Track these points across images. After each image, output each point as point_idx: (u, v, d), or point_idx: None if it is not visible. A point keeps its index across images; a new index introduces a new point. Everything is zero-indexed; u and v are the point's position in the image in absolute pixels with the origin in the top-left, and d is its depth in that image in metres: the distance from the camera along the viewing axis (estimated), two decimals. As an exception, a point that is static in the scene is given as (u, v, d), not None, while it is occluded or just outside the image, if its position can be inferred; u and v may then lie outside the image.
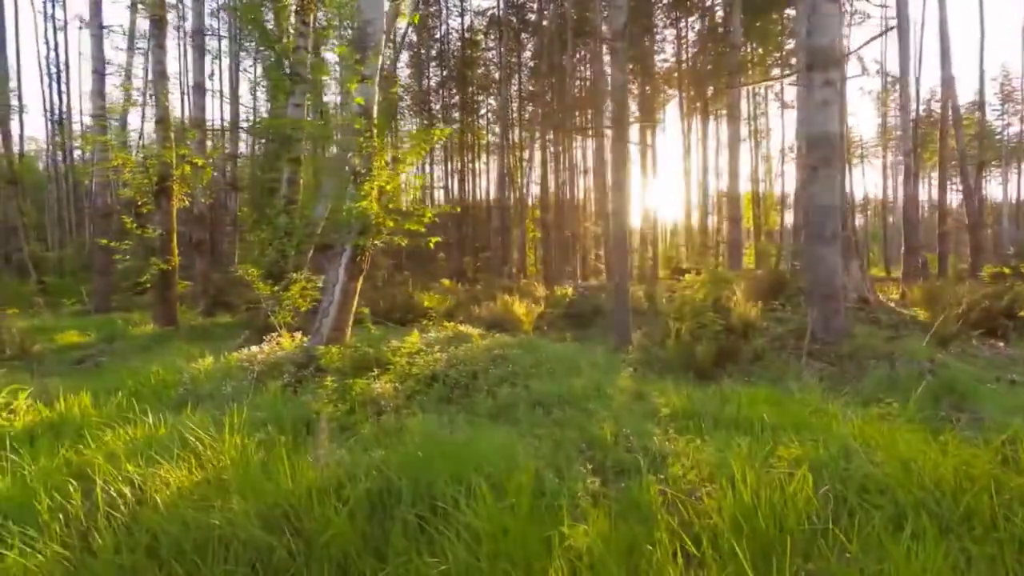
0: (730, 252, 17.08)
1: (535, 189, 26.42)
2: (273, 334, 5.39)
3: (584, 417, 3.47)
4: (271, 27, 8.41)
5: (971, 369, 3.99)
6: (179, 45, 21.98)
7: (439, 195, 32.29)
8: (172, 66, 25.60)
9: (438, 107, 30.38)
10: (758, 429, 3.04)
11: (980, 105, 16.36)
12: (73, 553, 1.76)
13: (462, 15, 28.46)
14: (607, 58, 24.09)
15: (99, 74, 13.15)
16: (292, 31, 8.38)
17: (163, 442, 2.68)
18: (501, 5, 26.84)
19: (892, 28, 11.66)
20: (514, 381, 4.43)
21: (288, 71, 8.31)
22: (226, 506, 1.99)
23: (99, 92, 13.21)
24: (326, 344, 4.74)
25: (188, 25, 19.29)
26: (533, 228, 28.38)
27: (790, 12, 24.25)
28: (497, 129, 26.95)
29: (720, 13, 25.32)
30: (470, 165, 30.86)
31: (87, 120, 27.48)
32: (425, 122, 27.58)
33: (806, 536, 1.90)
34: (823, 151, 5.73)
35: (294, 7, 8.21)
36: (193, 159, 9.91)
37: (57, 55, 23.11)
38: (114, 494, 2.07)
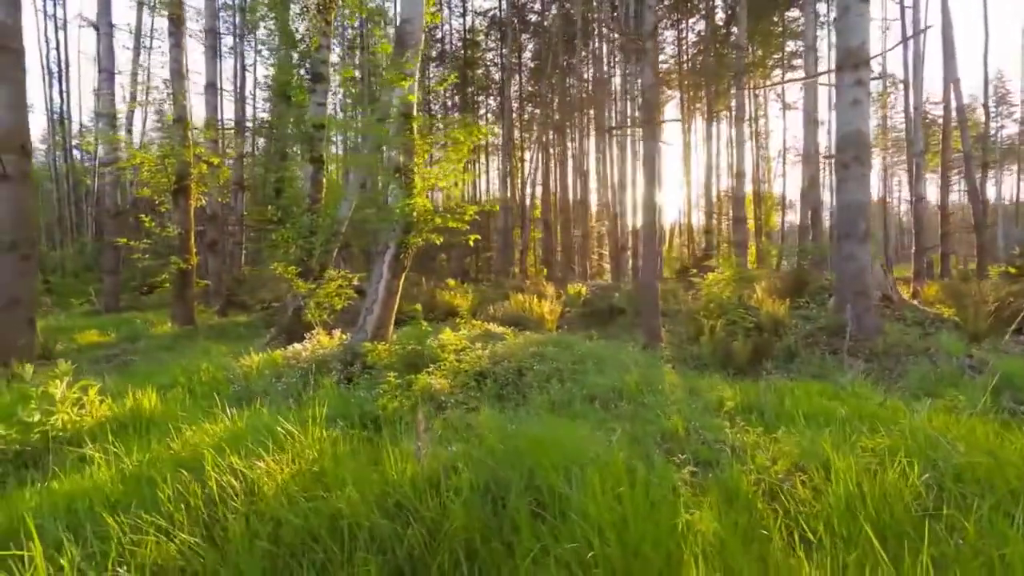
0: (736, 252, 17.20)
1: (534, 189, 26.53)
2: (314, 331, 5.40)
3: (644, 411, 3.51)
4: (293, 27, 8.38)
5: (1018, 363, 4.05)
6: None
7: (438, 196, 32.33)
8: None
9: (438, 107, 30.40)
10: (823, 422, 3.09)
11: (984, 107, 16.47)
12: (206, 542, 1.78)
13: (464, 15, 28.50)
14: (617, 56, 24.16)
15: (108, 73, 13.08)
16: (314, 30, 8.37)
17: (246, 436, 2.69)
18: (503, 6, 26.91)
19: (924, 30, 11.73)
20: (561, 377, 4.47)
21: (309, 70, 8.30)
22: (340, 496, 2.01)
23: (109, 91, 13.14)
24: (370, 341, 4.75)
25: (193, 25, 19.15)
26: (534, 228, 28.43)
27: (790, 14, 24.60)
28: (497, 129, 26.96)
29: (720, 15, 25.63)
30: (471, 166, 30.89)
31: (86, 120, 27.33)
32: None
33: (914, 522, 1.94)
34: (854, 149, 5.80)
35: (315, 6, 8.20)
36: (210, 158, 9.89)
37: (59, 54, 22.91)
38: (224, 485, 2.09)
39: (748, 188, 21.00)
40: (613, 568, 1.67)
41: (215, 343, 7.20)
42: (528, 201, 24.96)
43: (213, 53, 11.77)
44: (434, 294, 9.83)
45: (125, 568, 1.61)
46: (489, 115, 31.27)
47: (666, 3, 26.08)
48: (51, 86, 23.26)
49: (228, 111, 18.87)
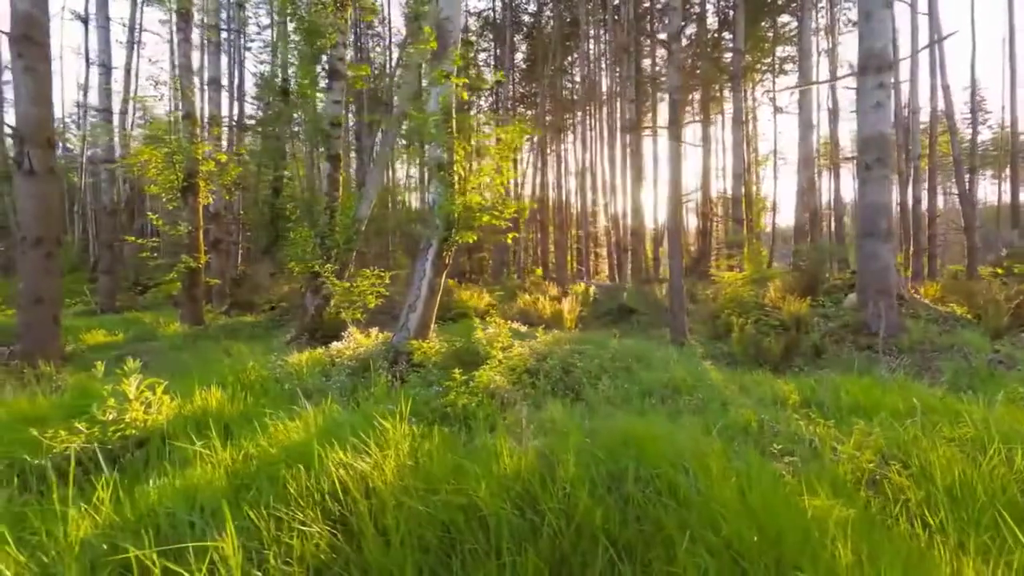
0: (735, 253, 17.47)
1: (528, 189, 26.63)
2: (348, 330, 5.36)
3: (706, 405, 3.57)
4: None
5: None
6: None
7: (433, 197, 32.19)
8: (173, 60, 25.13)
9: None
10: (885, 414, 3.18)
11: (972, 113, 16.99)
12: (344, 536, 1.78)
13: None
14: (609, 58, 24.31)
15: (105, 67, 12.82)
16: (330, 27, 8.30)
17: (334, 432, 2.68)
18: (497, 6, 26.97)
19: (944, 38, 12.08)
20: (608, 374, 4.52)
21: (327, 67, 8.25)
22: (465, 488, 2.02)
23: (105, 87, 12.87)
24: (413, 339, 4.74)
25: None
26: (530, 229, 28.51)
27: (781, 20, 25.07)
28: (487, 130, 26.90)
29: (711, 20, 26.01)
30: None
31: (67, 113, 26.65)
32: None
33: None
34: (877, 151, 5.96)
35: (333, 2, 8.14)
36: (217, 155, 9.74)
37: (43, 47, 22.27)
38: (339, 479, 2.08)
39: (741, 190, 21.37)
40: (761, 549, 1.71)
41: (233, 343, 7.09)
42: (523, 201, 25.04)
43: (216, 49, 11.59)
44: (449, 294, 9.81)
45: (285, 563, 1.60)
46: (480, 116, 31.32)
47: (658, 7, 26.38)
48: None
49: (224, 108, 18.55)
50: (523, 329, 6.76)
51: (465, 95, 4.61)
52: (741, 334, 5.79)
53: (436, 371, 4.23)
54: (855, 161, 18.00)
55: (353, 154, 29.89)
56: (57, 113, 24.09)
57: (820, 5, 23.08)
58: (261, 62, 28.60)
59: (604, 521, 1.88)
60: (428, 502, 1.93)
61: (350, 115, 20.63)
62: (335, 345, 4.93)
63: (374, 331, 5.35)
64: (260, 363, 4.48)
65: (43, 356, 5.10)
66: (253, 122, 19.80)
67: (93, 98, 16.54)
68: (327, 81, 8.30)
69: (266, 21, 28.50)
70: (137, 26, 17.80)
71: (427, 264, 4.84)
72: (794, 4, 21.91)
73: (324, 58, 8.57)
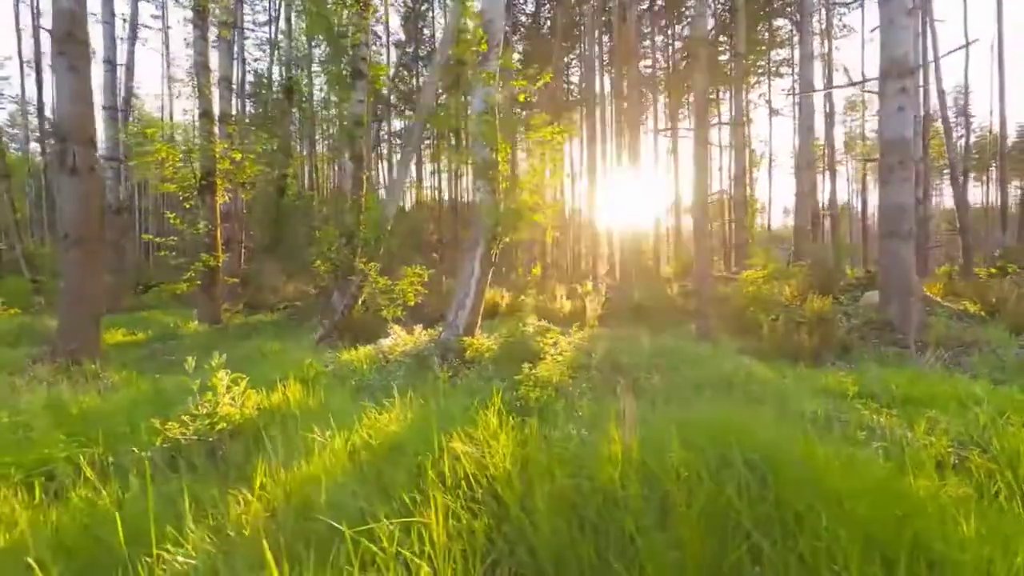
0: (736, 253, 17.78)
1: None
2: (391, 328, 5.43)
3: (760, 396, 3.71)
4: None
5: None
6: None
7: (424, 195, 32.23)
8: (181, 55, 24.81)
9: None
10: (941, 404, 3.34)
11: (965, 116, 17.45)
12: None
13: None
14: (605, 59, 24.47)
15: (111, 64, 12.68)
16: (353, 26, 8.33)
17: (426, 423, 2.76)
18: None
19: (973, 42, 12.43)
20: (656, 368, 4.64)
21: (349, 67, 8.29)
22: (585, 472, 2.12)
23: (110, 83, 12.74)
24: (462, 336, 4.82)
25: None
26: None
27: (776, 23, 25.51)
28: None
29: (709, 23, 26.38)
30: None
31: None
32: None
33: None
34: (899, 154, 6.16)
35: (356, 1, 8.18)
36: (233, 153, 9.71)
37: (37, 43, 21.87)
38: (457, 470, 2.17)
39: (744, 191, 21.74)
40: (897, 528, 1.83)
41: (265, 341, 7.09)
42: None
43: (228, 46, 11.53)
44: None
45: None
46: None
47: (654, 10, 26.69)
48: (24, 76, 22.25)
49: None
50: (555, 327, 6.89)
51: (523, 97, 4.72)
52: (772, 331, 5.95)
53: (492, 367, 4.32)
54: (862, 163, 18.37)
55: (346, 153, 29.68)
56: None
57: (813, 11, 23.50)
58: (255, 59, 28.39)
59: (729, 501, 1.98)
60: (564, 485, 2.03)
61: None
62: (384, 342, 4.99)
63: (418, 328, 5.42)
64: (315, 360, 4.53)
65: (87, 355, 5.09)
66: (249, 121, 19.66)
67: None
68: (349, 80, 8.34)
69: (263, 18, 28.36)
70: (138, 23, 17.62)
71: (475, 262, 4.92)
72: (790, 8, 22.35)
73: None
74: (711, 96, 26.68)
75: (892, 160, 6.20)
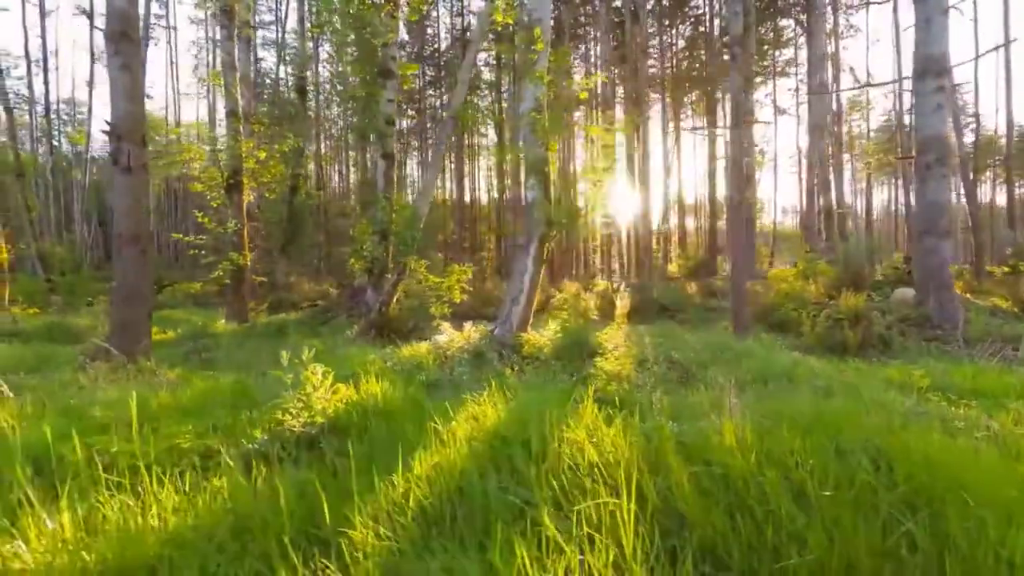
0: (743, 252, 17.89)
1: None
2: (437, 324, 5.47)
3: (828, 389, 3.77)
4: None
5: None
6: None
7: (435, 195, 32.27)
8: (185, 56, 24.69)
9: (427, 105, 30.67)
10: (1015, 395, 3.41)
11: (975, 116, 17.62)
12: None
13: (461, 14, 28.56)
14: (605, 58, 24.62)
15: (129, 64, 12.63)
16: (383, 27, 8.36)
17: (523, 415, 2.80)
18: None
19: (1014, 41, 12.56)
20: (711, 362, 4.70)
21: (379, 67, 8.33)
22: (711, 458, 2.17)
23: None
24: (517, 332, 4.87)
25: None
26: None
27: (781, 23, 25.64)
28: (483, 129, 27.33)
29: (710, 22, 26.53)
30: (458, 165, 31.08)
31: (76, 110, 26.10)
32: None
33: None
34: (936, 152, 6.24)
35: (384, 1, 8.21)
36: (258, 152, 9.72)
37: (44, 42, 21.80)
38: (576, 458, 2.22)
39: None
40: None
41: (307, 339, 7.11)
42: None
43: (247, 44, 11.54)
44: (493, 290, 9.92)
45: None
46: (478, 115, 31.45)
47: (657, 10, 26.80)
48: (32, 75, 22.15)
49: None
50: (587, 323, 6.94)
51: (584, 95, 4.76)
52: (814, 326, 6.02)
53: (554, 362, 4.36)
54: (865, 164, 18.47)
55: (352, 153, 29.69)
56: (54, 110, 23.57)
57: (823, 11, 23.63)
58: (259, 59, 28.37)
59: (865, 485, 2.04)
60: (697, 471, 2.08)
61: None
62: (439, 338, 5.03)
63: (467, 325, 5.46)
64: (377, 357, 4.57)
65: (141, 352, 5.12)
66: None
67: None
68: (380, 80, 8.36)
69: (268, 18, 28.33)
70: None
71: (528, 259, 4.97)
72: (796, 8, 22.48)
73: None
74: (717, 97, 26.79)
75: (929, 158, 6.28)
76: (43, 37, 22.22)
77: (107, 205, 24.00)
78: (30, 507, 1.65)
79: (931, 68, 6.23)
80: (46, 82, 22.13)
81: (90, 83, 21.28)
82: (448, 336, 5.13)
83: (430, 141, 30.61)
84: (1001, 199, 30.22)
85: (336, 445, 2.88)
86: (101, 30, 5.14)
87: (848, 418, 2.67)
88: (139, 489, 1.89)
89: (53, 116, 24.27)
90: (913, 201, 18.10)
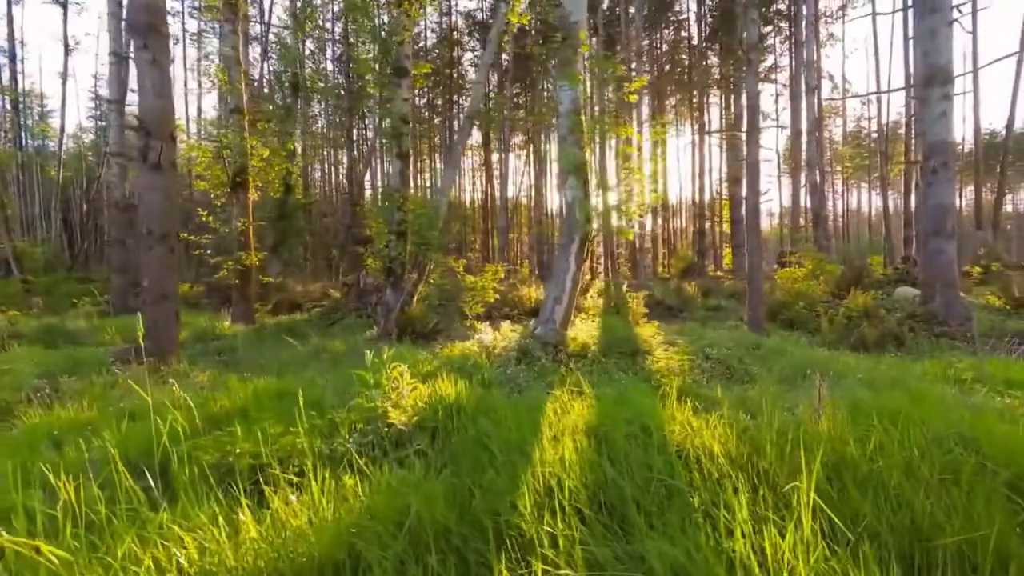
0: (734, 252, 18.37)
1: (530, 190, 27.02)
2: (479, 325, 5.48)
3: (873, 383, 3.94)
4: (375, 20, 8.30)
5: None
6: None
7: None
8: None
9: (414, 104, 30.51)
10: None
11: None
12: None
13: (449, 14, 28.44)
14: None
15: (118, 57, 12.27)
16: (397, 25, 8.32)
17: (609, 411, 2.87)
18: (486, 6, 27.17)
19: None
20: (749, 359, 4.84)
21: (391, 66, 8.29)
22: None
23: (119, 76, 12.33)
24: (560, 330, 4.93)
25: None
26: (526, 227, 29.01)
27: (764, 30, 26.29)
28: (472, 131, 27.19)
29: (695, 29, 27.13)
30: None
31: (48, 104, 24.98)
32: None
33: None
34: (942, 156, 6.55)
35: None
36: (261, 150, 9.54)
37: (11, 32, 20.86)
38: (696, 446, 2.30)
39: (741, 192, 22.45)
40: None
41: (325, 340, 7.03)
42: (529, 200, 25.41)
43: (246, 40, 11.29)
44: (513, 288, 9.95)
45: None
46: (460, 116, 31.43)
47: (643, 14, 27.20)
48: (1, 66, 21.18)
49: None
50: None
51: (633, 97, 4.84)
52: (832, 323, 6.24)
53: (604, 359, 4.43)
54: (843, 168, 19.26)
55: (343, 152, 29.25)
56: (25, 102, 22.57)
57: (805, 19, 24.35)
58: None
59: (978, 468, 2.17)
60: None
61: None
62: (484, 337, 5.04)
63: (506, 325, 5.49)
64: (427, 356, 4.56)
65: (172, 354, 5.00)
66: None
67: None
68: (395, 79, 8.32)
69: (250, 11, 27.68)
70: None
71: (570, 258, 5.03)
72: (777, 16, 23.16)
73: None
74: (698, 98, 27.36)
75: (936, 162, 6.58)
76: (10, 27, 21.28)
77: (73, 204, 23.14)
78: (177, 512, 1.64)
79: (937, 77, 6.54)
80: (14, 73, 21.20)
81: (63, 75, 20.46)
82: (492, 335, 5.15)
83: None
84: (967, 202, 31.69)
85: (426, 442, 2.90)
86: (126, 22, 4.97)
87: (930, 410, 2.82)
88: (286, 489, 1.88)
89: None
90: (900, 205, 18.83)
